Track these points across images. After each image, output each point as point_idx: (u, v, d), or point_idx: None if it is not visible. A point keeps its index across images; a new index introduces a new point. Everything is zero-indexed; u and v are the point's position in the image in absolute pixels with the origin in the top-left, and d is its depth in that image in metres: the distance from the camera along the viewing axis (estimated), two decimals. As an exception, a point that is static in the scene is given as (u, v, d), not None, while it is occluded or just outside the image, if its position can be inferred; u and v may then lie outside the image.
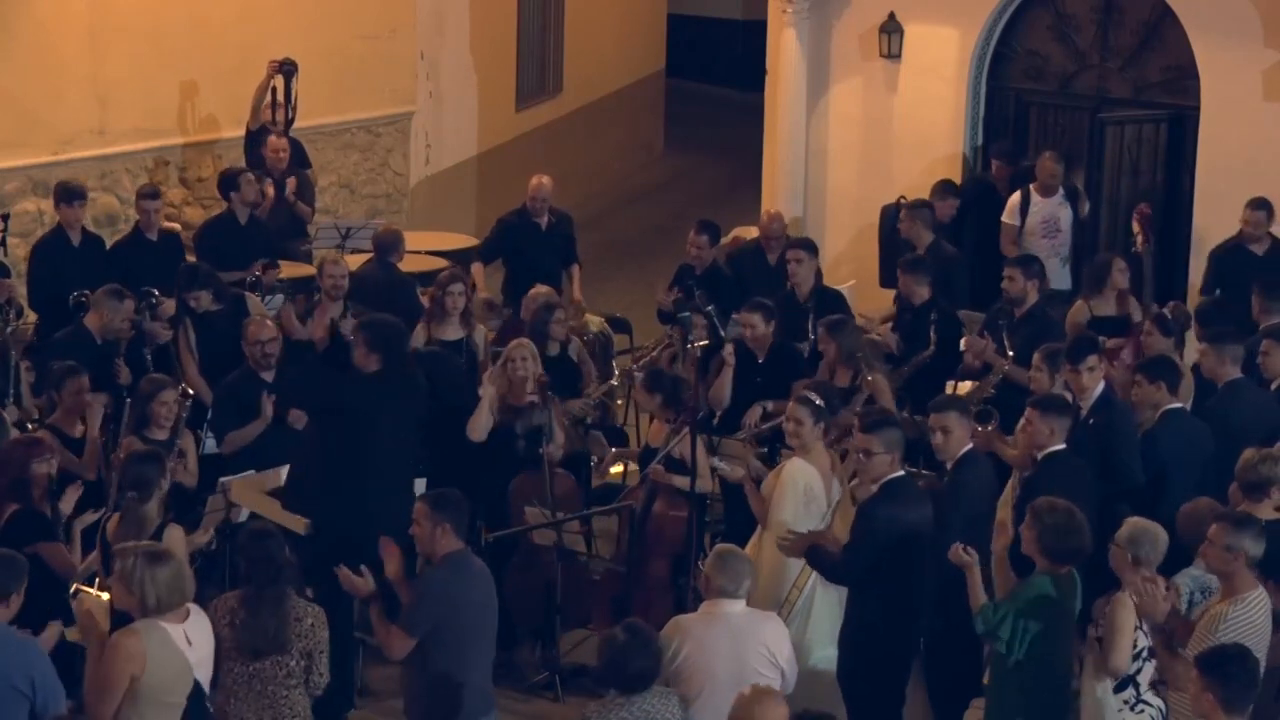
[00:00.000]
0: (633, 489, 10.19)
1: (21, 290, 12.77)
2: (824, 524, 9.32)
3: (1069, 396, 9.95)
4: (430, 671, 7.93)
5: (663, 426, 10.51)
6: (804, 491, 9.38)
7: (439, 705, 7.96)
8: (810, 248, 12.67)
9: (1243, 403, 10.26)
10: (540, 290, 12.18)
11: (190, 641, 7.27)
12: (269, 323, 10.92)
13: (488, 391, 10.58)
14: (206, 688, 7.44)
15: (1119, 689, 8.07)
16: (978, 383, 11.23)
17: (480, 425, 10.59)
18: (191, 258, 13.06)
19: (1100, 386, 9.97)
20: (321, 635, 7.82)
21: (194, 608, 7.43)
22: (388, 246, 12.94)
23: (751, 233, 14.14)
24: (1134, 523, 8.11)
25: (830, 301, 12.38)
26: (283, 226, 14.26)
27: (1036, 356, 10.35)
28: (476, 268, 13.32)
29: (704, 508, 10.87)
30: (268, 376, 10.72)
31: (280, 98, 15.01)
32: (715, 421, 11.35)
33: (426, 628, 7.85)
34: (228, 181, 13.71)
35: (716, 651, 7.64)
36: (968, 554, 8.10)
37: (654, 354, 12.28)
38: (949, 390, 10.94)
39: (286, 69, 15.02)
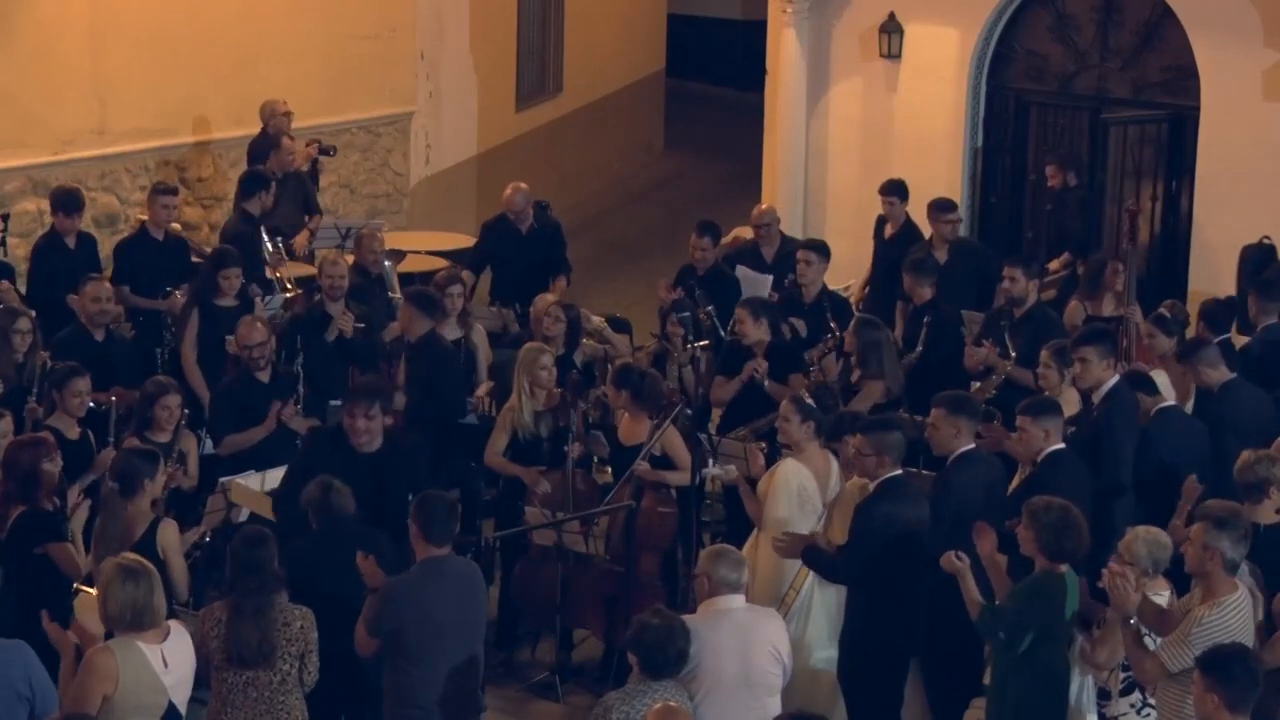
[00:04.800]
0: (619, 488, 10.18)
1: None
2: (820, 524, 9.33)
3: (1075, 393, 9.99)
4: (396, 675, 7.92)
5: (634, 423, 10.50)
6: (797, 492, 9.40)
7: (408, 708, 7.93)
8: (822, 250, 12.64)
9: (1246, 401, 10.27)
10: (546, 298, 12.25)
11: (167, 664, 7.24)
12: (259, 325, 10.91)
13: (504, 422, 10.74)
14: (183, 709, 7.38)
15: (1125, 692, 8.08)
16: (980, 383, 11.23)
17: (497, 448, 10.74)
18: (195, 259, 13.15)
19: (1112, 380, 9.94)
20: (311, 636, 7.80)
21: (175, 626, 7.41)
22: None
23: (750, 233, 14.14)
24: (1144, 533, 8.11)
25: (838, 305, 12.37)
26: (289, 216, 14.37)
27: (1044, 354, 10.33)
28: (466, 276, 13.34)
29: (700, 504, 10.89)
30: (263, 378, 10.72)
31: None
32: (711, 422, 11.37)
33: (386, 629, 7.84)
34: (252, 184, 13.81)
35: (723, 652, 7.60)
36: (959, 559, 8.10)
37: (635, 354, 12.32)
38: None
39: (325, 152, 15.29)
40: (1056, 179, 14.47)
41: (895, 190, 13.99)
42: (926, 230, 13.63)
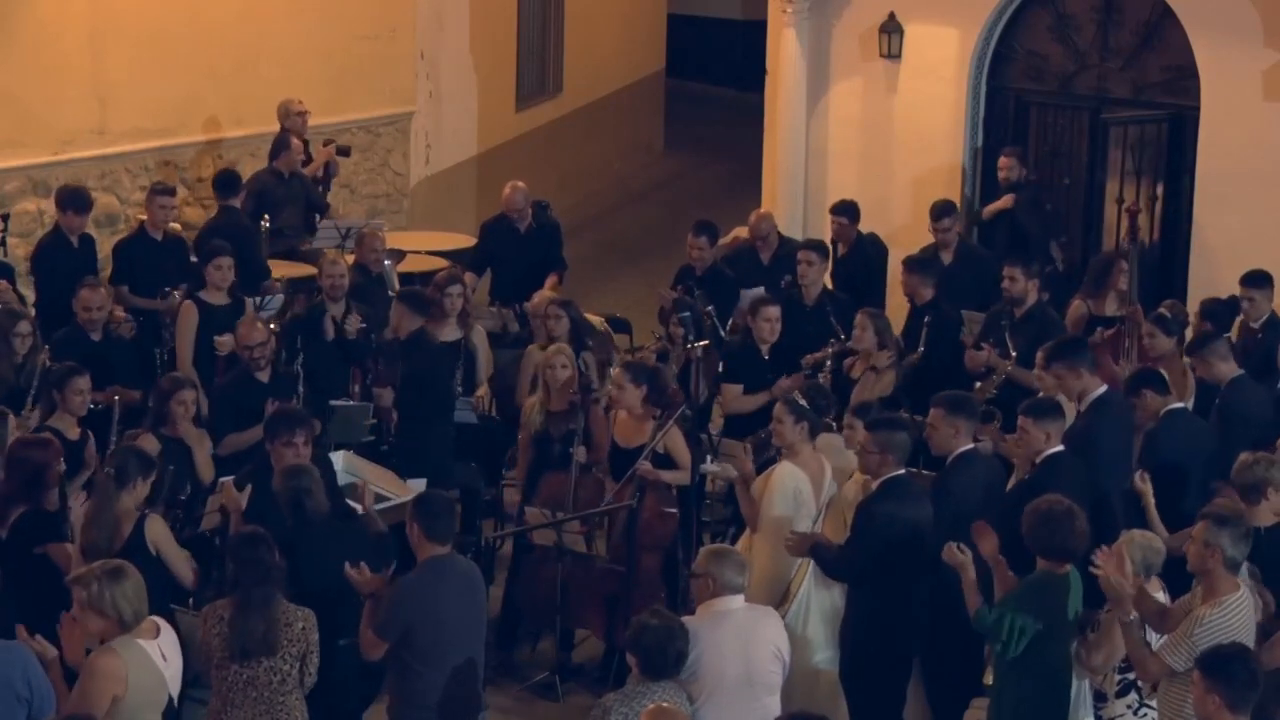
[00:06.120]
0: (621, 487, 10.17)
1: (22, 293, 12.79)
2: (815, 527, 9.33)
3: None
4: (406, 676, 7.92)
5: (630, 422, 10.47)
6: (793, 495, 9.38)
7: (416, 709, 7.94)
8: (822, 250, 12.65)
9: (1252, 397, 10.28)
10: (543, 294, 12.25)
11: (165, 658, 7.27)
12: (260, 325, 10.93)
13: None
14: (176, 702, 7.43)
15: (1121, 694, 8.08)
16: (980, 383, 11.23)
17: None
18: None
19: (1099, 390, 9.92)
20: (312, 638, 7.81)
21: (161, 623, 7.44)
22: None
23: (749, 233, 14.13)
24: (1139, 535, 8.10)
25: (839, 306, 12.36)
26: (293, 217, 14.34)
27: (1039, 356, 10.34)
28: (469, 277, 13.34)
29: (700, 504, 10.88)
30: (263, 378, 10.73)
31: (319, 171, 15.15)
32: (712, 423, 11.37)
33: (397, 632, 7.84)
34: (229, 183, 13.77)
35: (726, 653, 7.60)
36: (962, 552, 8.10)
37: (635, 354, 12.31)
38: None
39: (342, 153, 15.40)
40: (1009, 172, 14.37)
41: (845, 211, 13.94)
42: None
